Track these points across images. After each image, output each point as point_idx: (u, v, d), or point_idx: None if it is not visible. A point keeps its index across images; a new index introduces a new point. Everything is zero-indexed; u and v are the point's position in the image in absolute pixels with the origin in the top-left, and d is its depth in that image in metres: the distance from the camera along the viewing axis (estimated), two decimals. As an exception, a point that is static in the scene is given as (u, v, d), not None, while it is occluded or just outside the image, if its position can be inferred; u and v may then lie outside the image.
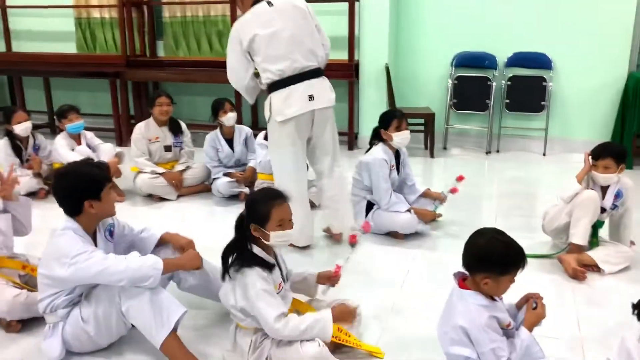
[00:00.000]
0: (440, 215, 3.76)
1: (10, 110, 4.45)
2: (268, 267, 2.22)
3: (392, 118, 3.58)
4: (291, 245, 3.28)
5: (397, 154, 3.70)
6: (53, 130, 6.99)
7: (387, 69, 5.50)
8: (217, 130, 4.49)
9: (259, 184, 4.16)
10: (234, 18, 6.24)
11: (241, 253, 2.22)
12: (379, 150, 3.62)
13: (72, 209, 2.26)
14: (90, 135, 4.63)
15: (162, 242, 2.55)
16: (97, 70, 6.38)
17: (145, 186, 4.34)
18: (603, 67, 5.48)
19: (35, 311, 2.46)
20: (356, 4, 5.68)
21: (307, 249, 3.42)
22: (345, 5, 5.75)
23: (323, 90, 3.21)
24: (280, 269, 2.32)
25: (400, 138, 3.57)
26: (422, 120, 5.83)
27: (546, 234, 3.38)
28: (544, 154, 5.67)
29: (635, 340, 1.66)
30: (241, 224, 2.24)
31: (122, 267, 2.17)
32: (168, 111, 4.51)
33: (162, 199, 4.39)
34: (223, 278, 2.26)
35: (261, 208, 2.19)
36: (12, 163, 3.71)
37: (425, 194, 3.76)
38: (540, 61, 5.63)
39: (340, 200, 3.49)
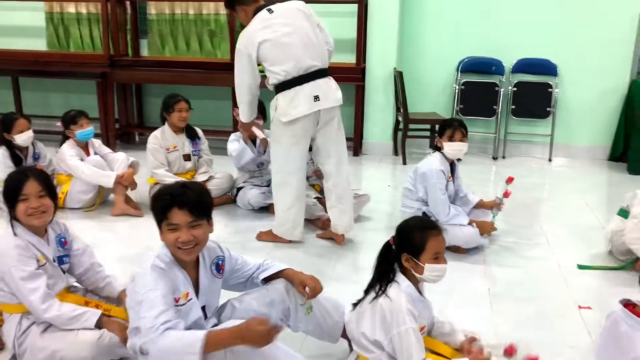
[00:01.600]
0: (496, 228, 3.63)
1: (10, 118, 3.96)
2: (416, 302, 2.02)
3: (446, 127, 3.45)
4: (280, 239, 3.48)
5: (451, 164, 3.56)
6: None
7: (400, 74, 5.35)
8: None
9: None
10: (232, 18, 5.92)
11: (387, 284, 2.03)
12: (435, 160, 3.48)
13: None
14: (98, 143, 4.21)
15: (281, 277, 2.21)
16: (79, 70, 5.86)
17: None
18: (606, 74, 5.58)
19: (123, 352, 2.14)
20: (363, 5, 5.51)
21: (297, 245, 3.50)
22: (352, 7, 5.58)
23: (329, 90, 3.26)
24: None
25: (452, 149, 3.43)
26: (428, 126, 5.75)
27: (613, 247, 3.33)
28: (550, 160, 5.72)
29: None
30: (387, 252, 2.03)
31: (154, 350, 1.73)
32: (187, 117, 4.17)
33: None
34: (355, 305, 2.09)
35: (417, 237, 2.00)
36: None
37: (480, 205, 3.64)
38: (546, 67, 5.67)
39: (347, 201, 3.51)
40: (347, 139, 4.23)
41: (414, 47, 5.84)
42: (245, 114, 3.45)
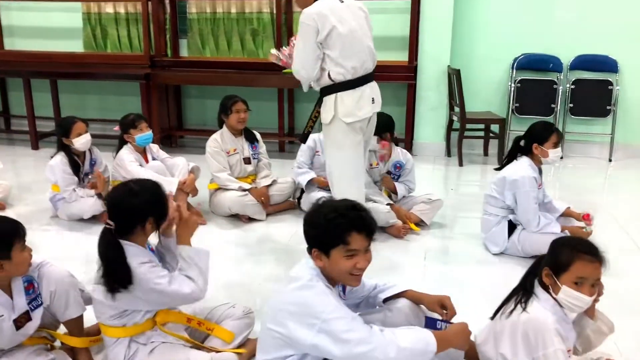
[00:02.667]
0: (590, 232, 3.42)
1: (68, 121, 3.78)
2: (561, 322, 1.83)
3: (551, 132, 3.25)
4: None
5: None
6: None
7: (457, 72, 5.14)
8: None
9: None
10: (279, 15, 5.74)
11: (528, 297, 1.89)
12: (526, 166, 3.28)
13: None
14: (156, 147, 4.03)
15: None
16: (121, 72, 5.70)
17: (236, 205, 3.78)
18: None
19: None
20: (417, 1, 5.31)
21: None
22: (404, 3, 5.38)
23: (379, 94, 3.19)
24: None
25: (556, 155, 3.27)
26: (482, 126, 5.55)
27: None
28: (610, 160, 5.50)
29: None
30: (537, 263, 1.90)
31: (392, 353, 1.69)
32: (245, 119, 3.99)
33: (250, 220, 3.85)
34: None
35: (564, 254, 1.84)
36: None
37: (567, 213, 3.44)
38: (606, 64, 5.44)
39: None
40: (399, 140, 4.10)
41: (466, 44, 5.63)
42: (304, 87, 3.13)
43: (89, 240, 3.37)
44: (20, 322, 2.01)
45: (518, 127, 5.71)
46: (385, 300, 2.08)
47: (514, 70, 5.58)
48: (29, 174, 5.10)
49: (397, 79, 5.46)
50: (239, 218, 3.86)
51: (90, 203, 3.70)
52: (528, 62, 5.54)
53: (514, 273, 2.50)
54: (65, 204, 3.77)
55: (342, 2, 3.01)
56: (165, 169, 3.86)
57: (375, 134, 3.56)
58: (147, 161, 3.90)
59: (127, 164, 3.76)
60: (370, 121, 3.16)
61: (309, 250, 1.84)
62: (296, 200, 4.07)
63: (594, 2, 5.37)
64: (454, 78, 5.21)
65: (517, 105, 5.60)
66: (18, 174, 5.16)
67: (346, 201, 1.88)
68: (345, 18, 2.94)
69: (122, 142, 3.91)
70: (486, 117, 5.44)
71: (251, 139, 4.07)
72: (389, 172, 3.84)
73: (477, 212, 3.69)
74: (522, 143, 3.37)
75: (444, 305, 1.99)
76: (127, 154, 3.81)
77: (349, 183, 3.11)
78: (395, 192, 3.77)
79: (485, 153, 5.68)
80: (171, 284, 1.98)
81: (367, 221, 1.81)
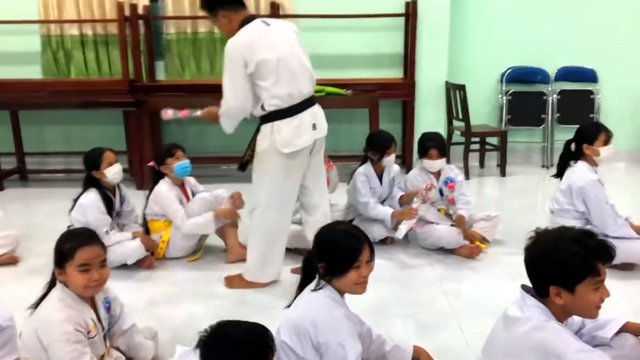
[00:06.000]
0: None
1: (96, 152, 3.34)
2: None
3: (599, 130, 3.34)
4: (253, 284, 3.08)
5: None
6: (24, 177, 5.58)
7: (463, 87, 5.18)
8: (369, 165, 3.81)
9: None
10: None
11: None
12: (585, 170, 3.33)
13: None
14: (193, 180, 3.67)
15: None
16: (102, 100, 5.18)
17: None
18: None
19: None
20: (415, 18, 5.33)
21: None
22: (397, 20, 5.37)
23: (322, 118, 3.00)
24: None
25: (608, 153, 3.34)
26: (477, 139, 5.64)
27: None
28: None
29: None
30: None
31: None
32: None
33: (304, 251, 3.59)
34: None
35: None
36: None
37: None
38: (587, 74, 5.75)
39: None
40: (397, 156, 4.05)
41: (458, 60, 5.71)
42: (230, 127, 2.94)
43: (143, 289, 3.02)
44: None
45: (513, 138, 5.90)
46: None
47: (504, 84, 5.73)
48: (14, 218, 4.46)
49: (395, 97, 5.44)
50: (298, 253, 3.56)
51: (133, 246, 3.28)
52: (517, 75, 5.74)
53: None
54: (104, 249, 3.31)
55: (269, 25, 2.83)
56: (213, 203, 3.52)
57: (378, 153, 3.62)
58: (187, 197, 3.54)
59: (171, 204, 3.40)
60: (315, 147, 2.96)
61: None
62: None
63: (573, 16, 5.66)
64: (458, 93, 5.25)
65: (509, 116, 5.75)
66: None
67: (575, 230, 1.76)
68: (275, 43, 2.76)
69: (156, 177, 3.52)
70: (487, 130, 5.53)
71: None
72: (441, 192, 3.75)
73: (509, 225, 3.77)
74: (572, 147, 3.41)
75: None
76: (167, 189, 3.43)
77: (275, 211, 2.95)
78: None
79: (482, 165, 5.78)
80: None
81: (608, 248, 1.70)
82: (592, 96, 5.76)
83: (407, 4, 5.42)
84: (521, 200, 4.82)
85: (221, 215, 3.48)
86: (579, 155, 3.38)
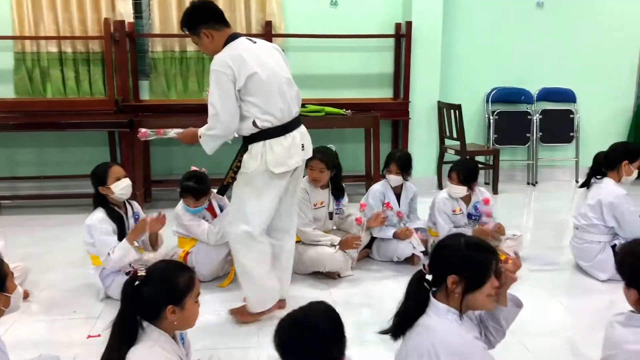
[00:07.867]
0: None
1: (102, 167, 3.16)
2: None
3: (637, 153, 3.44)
4: (262, 313, 2.88)
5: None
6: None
7: (459, 107, 5.27)
8: (386, 182, 3.78)
9: None
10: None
11: None
12: (613, 185, 3.46)
13: None
14: (218, 196, 3.51)
15: None
16: (93, 121, 4.90)
17: (330, 262, 3.41)
18: (614, 98, 6.07)
19: None
20: (403, 39, 5.40)
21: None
22: (387, 41, 5.43)
23: (309, 139, 2.92)
24: None
25: (635, 175, 3.47)
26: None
27: None
28: (577, 181, 6.02)
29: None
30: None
31: None
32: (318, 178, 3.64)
33: (339, 276, 3.49)
34: None
35: None
36: None
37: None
38: (566, 95, 5.99)
39: (290, 263, 3.07)
40: (383, 176, 4.10)
41: (445, 80, 5.82)
42: (210, 147, 2.78)
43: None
44: None
45: (501, 157, 6.04)
46: None
47: (490, 104, 5.88)
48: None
49: (391, 116, 5.47)
50: (325, 276, 3.48)
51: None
52: (502, 95, 5.90)
53: None
54: (120, 276, 3.08)
55: (255, 42, 2.75)
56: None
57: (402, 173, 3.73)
58: (213, 213, 3.43)
59: (190, 220, 3.29)
60: (298, 169, 2.87)
61: None
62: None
63: (551, 40, 5.90)
64: (453, 112, 5.33)
65: (496, 136, 5.90)
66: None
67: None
68: (263, 60, 2.67)
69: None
70: (477, 148, 5.63)
71: (338, 194, 3.69)
72: (469, 216, 3.77)
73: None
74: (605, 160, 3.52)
75: None
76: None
77: (261, 234, 2.81)
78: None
79: (473, 183, 5.88)
80: None
81: None
82: (571, 115, 6.00)
83: (398, 24, 5.49)
84: (518, 217, 4.95)
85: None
86: (607, 170, 3.48)
